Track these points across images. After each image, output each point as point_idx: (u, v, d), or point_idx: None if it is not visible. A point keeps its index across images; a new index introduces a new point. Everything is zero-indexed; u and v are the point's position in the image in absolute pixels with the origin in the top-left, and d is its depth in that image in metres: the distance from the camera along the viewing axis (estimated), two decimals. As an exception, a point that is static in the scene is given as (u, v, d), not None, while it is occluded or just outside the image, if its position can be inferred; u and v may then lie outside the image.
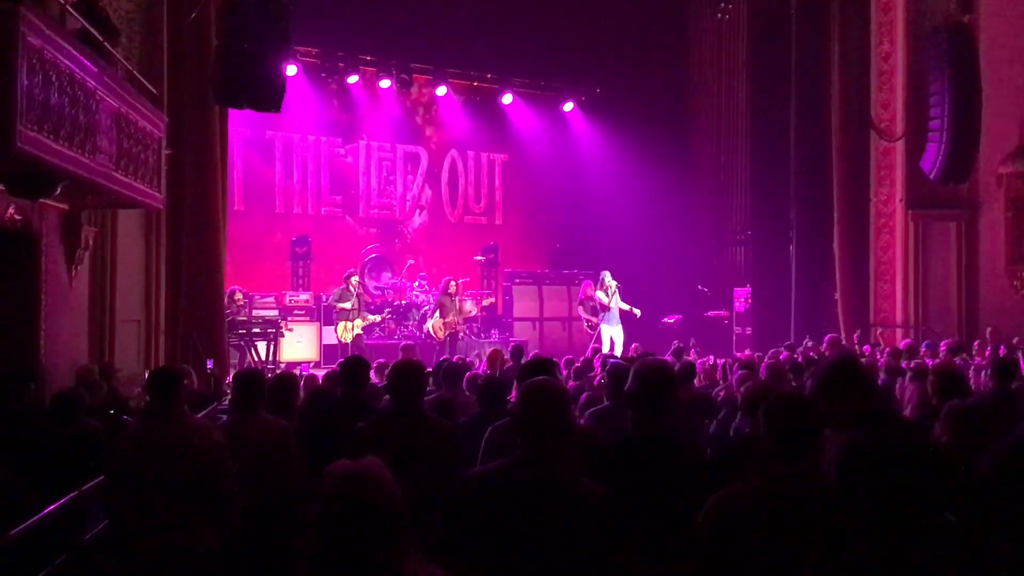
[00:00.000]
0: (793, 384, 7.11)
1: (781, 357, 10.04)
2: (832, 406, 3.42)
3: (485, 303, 17.44)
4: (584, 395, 6.98)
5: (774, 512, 2.84)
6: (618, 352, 14.34)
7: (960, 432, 4.26)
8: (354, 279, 15.29)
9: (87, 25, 7.96)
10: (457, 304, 15.78)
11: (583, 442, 3.87)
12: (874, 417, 3.38)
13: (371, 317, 15.60)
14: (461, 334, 16.25)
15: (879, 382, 7.97)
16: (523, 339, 15.64)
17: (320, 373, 10.23)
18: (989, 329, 13.64)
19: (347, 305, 14.83)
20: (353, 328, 14.86)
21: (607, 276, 15.47)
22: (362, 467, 2.28)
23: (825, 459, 3.29)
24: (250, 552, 4.76)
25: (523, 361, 8.33)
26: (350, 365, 5.83)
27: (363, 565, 2.17)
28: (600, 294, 15.47)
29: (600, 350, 13.57)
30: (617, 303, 15.31)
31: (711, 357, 11.55)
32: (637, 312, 15.40)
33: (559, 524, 2.93)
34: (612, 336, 15.27)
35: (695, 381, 8.12)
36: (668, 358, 10.49)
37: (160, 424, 4.64)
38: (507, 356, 9.96)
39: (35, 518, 4.65)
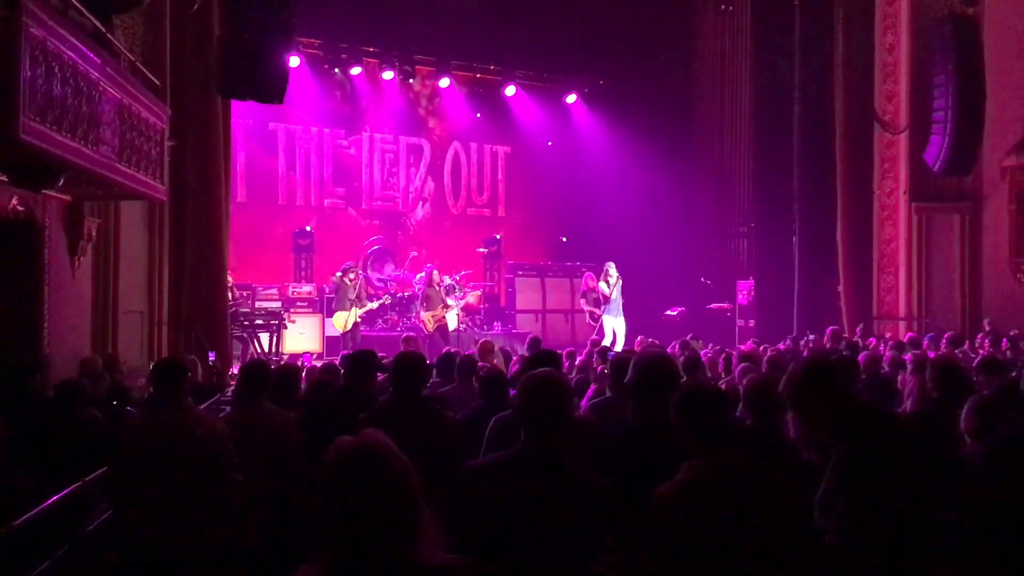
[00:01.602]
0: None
1: (780, 348, 10.05)
2: (811, 408, 3.42)
3: (471, 298, 17.32)
4: (592, 387, 6.97)
5: (702, 504, 2.90)
6: (620, 343, 14.32)
7: (987, 425, 4.24)
8: (350, 274, 15.30)
9: (89, 16, 7.95)
10: (443, 295, 15.75)
11: (584, 433, 3.88)
12: (864, 420, 3.38)
13: (369, 304, 15.61)
14: (463, 326, 16.25)
15: (882, 374, 7.99)
16: (525, 331, 15.64)
17: (318, 364, 10.26)
18: (987, 320, 13.63)
19: (351, 277, 14.93)
20: (350, 319, 14.91)
21: (611, 267, 15.48)
22: (368, 438, 2.24)
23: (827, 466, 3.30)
24: (253, 542, 4.77)
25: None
26: (357, 358, 5.80)
27: (382, 537, 2.13)
28: (602, 284, 15.46)
29: (600, 342, 13.56)
30: (619, 294, 15.31)
31: (715, 346, 11.55)
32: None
33: (560, 514, 2.94)
34: (614, 328, 15.25)
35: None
36: (675, 348, 10.51)
37: (163, 415, 4.65)
38: (500, 349, 10.00)
39: (37, 509, 4.67)
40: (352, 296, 15.05)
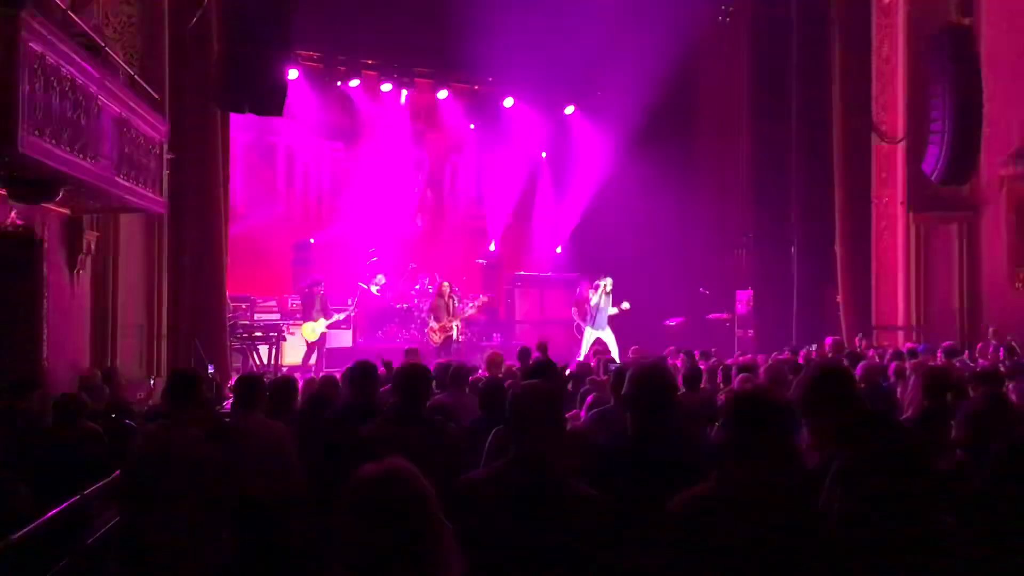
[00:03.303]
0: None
1: (781, 358, 10.05)
2: (818, 416, 3.42)
3: (472, 309, 17.33)
4: (591, 396, 6.96)
5: (731, 513, 2.84)
6: (614, 353, 14.30)
7: (975, 433, 4.24)
8: (314, 288, 15.59)
9: (87, 29, 7.98)
10: (451, 307, 15.80)
11: (580, 443, 3.88)
12: (869, 426, 3.38)
13: (336, 316, 15.71)
14: (460, 337, 16.26)
15: (883, 384, 7.99)
16: (524, 342, 15.64)
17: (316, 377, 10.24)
18: (992, 329, 13.58)
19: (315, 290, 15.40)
20: (317, 328, 15.17)
21: (608, 282, 15.52)
22: (393, 465, 2.26)
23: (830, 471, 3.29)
24: (251, 552, 4.77)
25: (528, 363, 8.34)
26: (360, 370, 5.78)
27: (404, 562, 2.15)
28: (591, 294, 15.49)
29: (582, 354, 13.60)
30: (606, 306, 15.32)
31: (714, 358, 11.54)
32: (625, 305, 15.44)
33: (550, 526, 2.93)
34: (601, 339, 15.23)
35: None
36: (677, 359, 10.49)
37: (178, 427, 4.66)
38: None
39: (37, 522, 4.67)
40: (318, 307, 15.33)
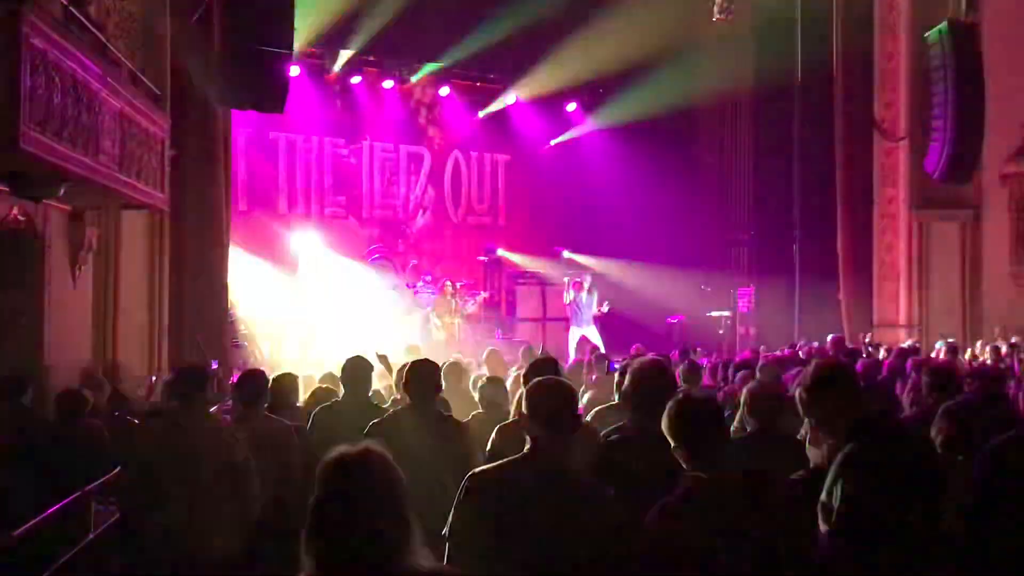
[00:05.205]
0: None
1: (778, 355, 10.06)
2: (822, 412, 3.42)
3: (473, 305, 17.35)
4: (585, 396, 6.98)
5: (703, 514, 2.89)
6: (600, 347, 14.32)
7: (956, 431, 4.25)
8: None
9: (89, 25, 7.98)
10: (454, 305, 15.83)
11: (584, 439, 3.89)
12: (869, 425, 3.38)
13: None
14: (462, 335, 16.27)
15: (881, 381, 7.99)
16: (525, 340, 15.65)
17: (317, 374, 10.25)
18: (997, 329, 13.55)
19: None
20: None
21: (588, 279, 15.56)
22: (361, 449, 2.27)
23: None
24: (254, 550, 4.78)
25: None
26: (353, 366, 5.80)
27: (365, 547, 2.15)
28: (566, 293, 15.52)
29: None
30: (589, 304, 15.35)
31: (712, 355, 11.54)
32: (606, 307, 15.47)
33: (568, 520, 2.94)
34: (584, 336, 15.25)
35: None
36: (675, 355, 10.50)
37: (186, 423, 4.67)
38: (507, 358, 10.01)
39: (39, 517, 4.68)
40: None
